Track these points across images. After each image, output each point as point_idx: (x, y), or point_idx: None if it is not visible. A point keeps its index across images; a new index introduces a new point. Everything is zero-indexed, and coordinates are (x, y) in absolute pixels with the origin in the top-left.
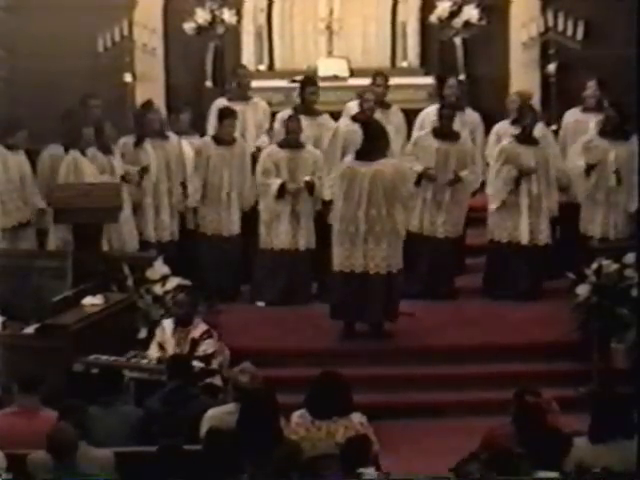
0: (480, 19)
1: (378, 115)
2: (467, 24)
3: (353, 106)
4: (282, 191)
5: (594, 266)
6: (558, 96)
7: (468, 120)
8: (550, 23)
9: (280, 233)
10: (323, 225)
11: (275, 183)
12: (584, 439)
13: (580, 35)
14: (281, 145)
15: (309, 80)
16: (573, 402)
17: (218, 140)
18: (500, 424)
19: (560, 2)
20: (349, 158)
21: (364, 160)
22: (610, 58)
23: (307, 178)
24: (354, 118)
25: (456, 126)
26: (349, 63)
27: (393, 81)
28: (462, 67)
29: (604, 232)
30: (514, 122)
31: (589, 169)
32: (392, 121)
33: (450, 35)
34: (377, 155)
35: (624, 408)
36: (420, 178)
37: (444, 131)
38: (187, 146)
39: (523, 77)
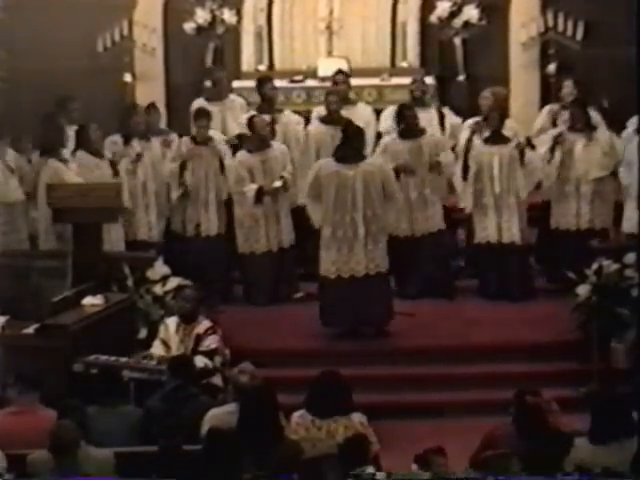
0: (480, 19)
1: (344, 112)
2: (467, 24)
3: (321, 110)
4: (260, 195)
5: (594, 266)
6: (558, 96)
7: (430, 117)
8: (550, 23)
9: (261, 236)
10: (302, 224)
11: (251, 190)
12: (584, 439)
13: (580, 35)
14: (250, 150)
15: (265, 78)
16: (573, 402)
17: (195, 140)
18: (500, 424)
19: (560, 2)
20: (329, 162)
21: (348, 163)
22: (610, 58)
23: (278, 183)
24: (322, 120)
25: (423, 123)
26: (349, 63)
27: (393, 81)
28: (462, 67)
29: (576, 223)
30: (484, 119)
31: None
32: (361, 117)
33: (450, 35)
34: (359, 156)
35: (624, 408)
36: (397, 174)
37: (411, 130)
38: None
39: (523, 77)
